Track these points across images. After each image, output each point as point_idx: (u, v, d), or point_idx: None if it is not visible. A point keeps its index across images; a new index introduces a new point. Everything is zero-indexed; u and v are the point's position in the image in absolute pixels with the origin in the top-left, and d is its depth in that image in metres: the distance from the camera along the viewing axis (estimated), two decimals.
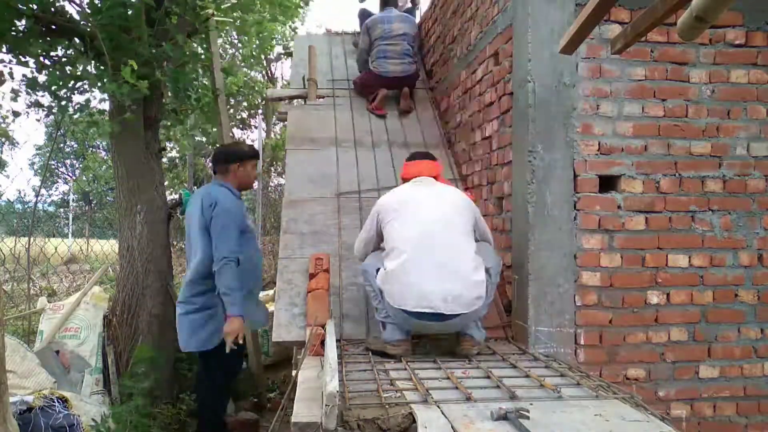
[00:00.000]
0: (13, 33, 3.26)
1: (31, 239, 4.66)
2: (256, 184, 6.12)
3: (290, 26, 8.92)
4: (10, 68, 3.39)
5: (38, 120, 4.48)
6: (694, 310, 3.16)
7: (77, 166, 22.41)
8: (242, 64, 8.78)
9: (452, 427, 1.86)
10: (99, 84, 3.34)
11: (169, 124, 4.38)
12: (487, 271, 2.78)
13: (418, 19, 6.09)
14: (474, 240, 2.87)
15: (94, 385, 3.71)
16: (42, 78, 3.34)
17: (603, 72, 3.14)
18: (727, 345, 3.17)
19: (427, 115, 5.21)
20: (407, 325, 2.76)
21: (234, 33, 7.89)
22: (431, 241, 2.72)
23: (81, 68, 3.26)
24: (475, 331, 2.80)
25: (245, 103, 10.91)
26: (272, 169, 12.23)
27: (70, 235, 14.08)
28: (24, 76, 3.32)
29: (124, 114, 3.67)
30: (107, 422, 3.21)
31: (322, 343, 2.74)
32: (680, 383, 3.12)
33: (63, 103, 3.36)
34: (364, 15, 5.87)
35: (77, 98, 3.50)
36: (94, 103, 3.58)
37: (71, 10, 3.55)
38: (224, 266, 3.16)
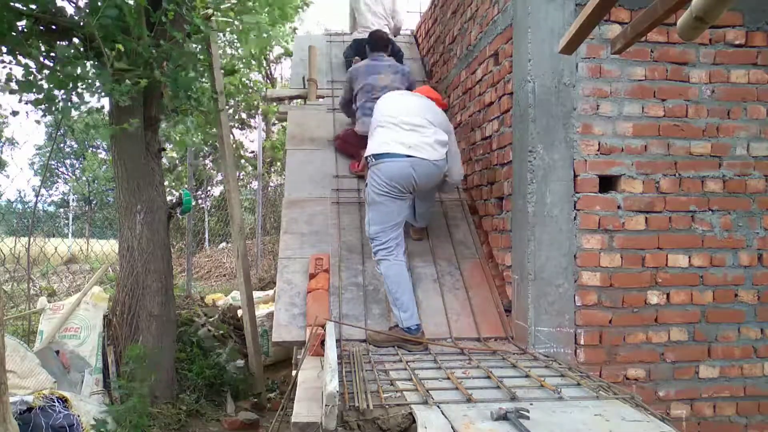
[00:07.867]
0: (14, 33, 3.25)
1: (31, 239, 4.65)
2: (255, 184, 6.05)
3: (290, 27, 8.91)
4: (10, 68, 3.39)
5: (37, 121, 4.44)
6: (694, 310, 3.16)
7: (77, 166, 22.41)
8: (241, 65, 8.78)
9: (452, 427, 1.86)
10: (98, 83, 3.33)
11: (166, 123, 4.36)
12: None
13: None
14: None
15: (94, 385, 3.71)
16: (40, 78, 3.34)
17: (603, 72, 3.14)
18: (727, 345, 3.17)
19: None
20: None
21: (234, 35, 7.88)
22: None
23: (80, 69, 3.25)
24: None
25: (243, 104, 10.90)
26: (272, 168, 12.23)
27: (70, 235, 14.07)
28: (19, 77, 3.27)
29: (123, 114, 3.66)
30: (107, 424, 3.20)
31: (322, 343, 2.74)
32: (680, 383, 3.12)
33: (61, 104, 3.35)
34: (350, 58, 5.37)
35: (75, 99, 3.49)
36: (91, 102, 3.56)
37: (70, 9, 3.54)
38: None
